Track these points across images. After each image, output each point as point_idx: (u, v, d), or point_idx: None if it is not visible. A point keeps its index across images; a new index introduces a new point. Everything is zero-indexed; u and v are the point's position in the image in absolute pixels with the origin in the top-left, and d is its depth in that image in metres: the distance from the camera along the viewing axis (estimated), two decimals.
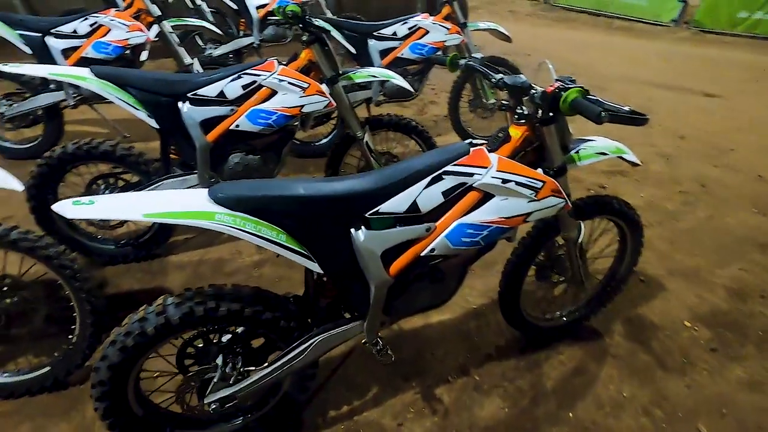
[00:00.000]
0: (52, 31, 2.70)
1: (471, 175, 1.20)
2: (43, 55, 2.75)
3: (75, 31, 2.72)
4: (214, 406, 1.26)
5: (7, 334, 1.59)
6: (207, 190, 1.07)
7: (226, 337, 1.30)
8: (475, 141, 1.32)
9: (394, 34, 2.91)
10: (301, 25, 1.90)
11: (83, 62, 2.79)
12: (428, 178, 1.19)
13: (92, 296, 1.55)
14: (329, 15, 4.32)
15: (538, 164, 1.33)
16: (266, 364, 1.28)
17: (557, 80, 1.17)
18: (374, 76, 2.05)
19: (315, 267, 1.16)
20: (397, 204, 1.17)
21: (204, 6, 4.44)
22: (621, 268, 1.86)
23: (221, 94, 1.87)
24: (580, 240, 1.53)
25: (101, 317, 1.58)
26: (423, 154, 1.25)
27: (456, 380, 1.74)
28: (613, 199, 1.62)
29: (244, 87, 1.88)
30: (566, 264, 1.67)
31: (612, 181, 3.17)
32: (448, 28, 2.91)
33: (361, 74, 2.04)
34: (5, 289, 1.56)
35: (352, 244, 1.17)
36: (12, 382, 1.59)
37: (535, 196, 1.24)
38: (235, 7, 4.07)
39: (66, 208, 0.99)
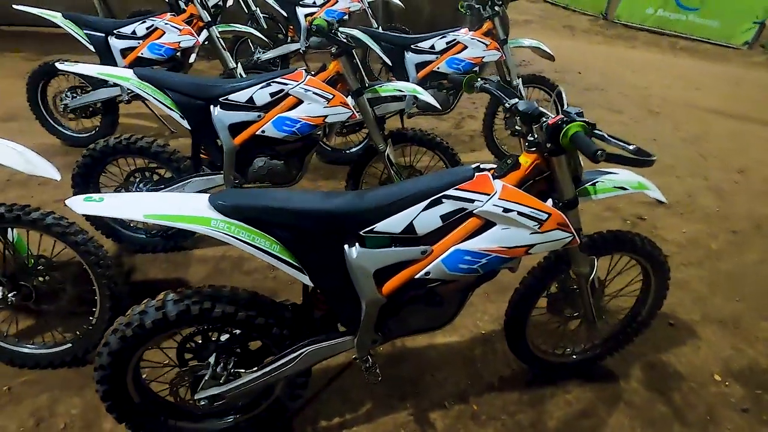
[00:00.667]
0: (114, 31, 2.93)
1: (471, 201, 1.17)
2: (105, 54, 2.98)
3: (134, 33, 2.94)
4: (203, 403, 1.30)
5: (38, 310, 1.73)
6: (208, 196, 1.12)
7: (224, 337, 1.34)
8: (482, 165, 1.29)
9: (432, 47, 2.90)
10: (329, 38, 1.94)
11: (139, 62, 3.00)
12: (427, 201, 1.17)
13: (113, 282, 1.66)
14: (375, 25, 4.38)
15: (549, 194, 1.27)
16: (255, 368, 1.31)
17: (564, 111, 1.12)
18: (400, 91, 2.05)
19: (306, 280, 1.17)
20: (393, 224, 1.17)
21: (258, 12, 4.64)
22: (643, 310, 1.73)
23: (250, 100, 1.95)
24: (592, 277, 1.44)
25: (119, 302, 1.68)
26: (426, 176, 1.24)
27: (453, 407, 1.69)
28: (636, 236, 1.51)
29: (272, 95, 1.95)
30: (579, 299, 1.58)
31: (653, 213, 2.98)
32: (486, 44, 2.87)
33: (387, 88, 2.05)
34: (39, 267, 1.70)
35: (345, 260, 1.18)
36: (37, 354, 1.73)
37: (538, 228, 1.19)
38: (284, 14, 4.23)
39: (77, 203, 1.06)
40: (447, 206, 1.18)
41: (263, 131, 1.98)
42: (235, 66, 3.09)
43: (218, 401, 1.31)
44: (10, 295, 1.60)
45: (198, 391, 1.30)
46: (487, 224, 1.20)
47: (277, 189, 1.27)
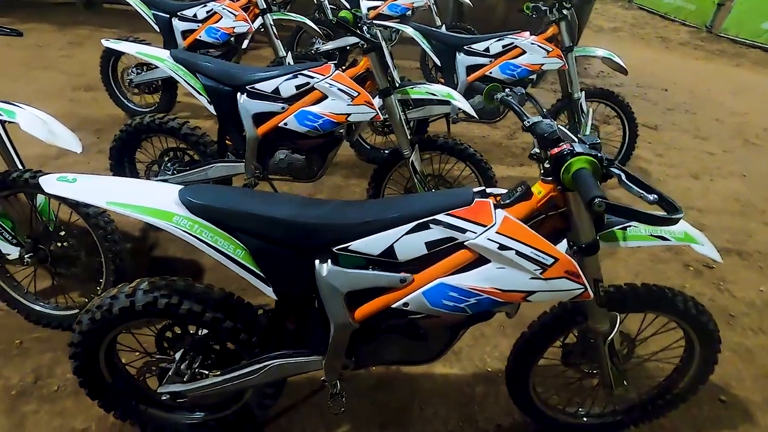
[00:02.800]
0: (178, 13, 3.05)
1: (463, 231, 1.01)
2: (169, 34, 3.12)
3: (195, 16, 3.04)
4: (164, 397, 1.26)
5: (54, 273, 1.82)
6: (180, 189, 1.06)
7: (202, 333, 1.30)
8: (489, 190, 1.11)
9: (486, 50, 2.69)
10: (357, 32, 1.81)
11: (197, 44, 3.11)
12: (413, 224, 1.03)
13: (118, 258, 1.69)
14: (438, 23, 4.20)
15: (564, 234, 1.07)
16: (219, 372, 1.25)
17: (577, 138, 0.91)
18: (433, 95, 1.89)
19: (269, 292, 1.08)
20: (371, 244, 1.04)
21: (326, 2, 4.64)
22: (681, 382, 1.44)
23: (276, 90, 1.90)
24: (611, 337, 1.20)
25: (122, 277, 1.71)
26: (419, 194, 1.09)
27: None
28: (677, 295, 1.24)
29: (298, 87, 1.88)
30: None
31: (724, 263, 2.54)
32: (548, 51, 2.59)
33: (419, 91, 1.90)
34: (62, 233, 1.78)
35: (316, 277, 1.07)
36: (49, 314, 1.82)
37: (540, 273, 1.00)
38: (348, 6, 4.18)
39: (49, 181, 1.05)
40: (435, 233, 1.02)
41: (286, 124, 1.93)
42: (285, 55, 3.09)
43: (180, 398, 1.27)
44: (26, 255, 1.69)
45: (162, 384, 1.27)
46: (480, 259, 1.02)
47: (253, 190, 1.19)
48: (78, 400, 1.58)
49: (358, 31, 1.74)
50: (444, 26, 4.25)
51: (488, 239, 0.99)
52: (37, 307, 1.81)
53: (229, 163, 2.11)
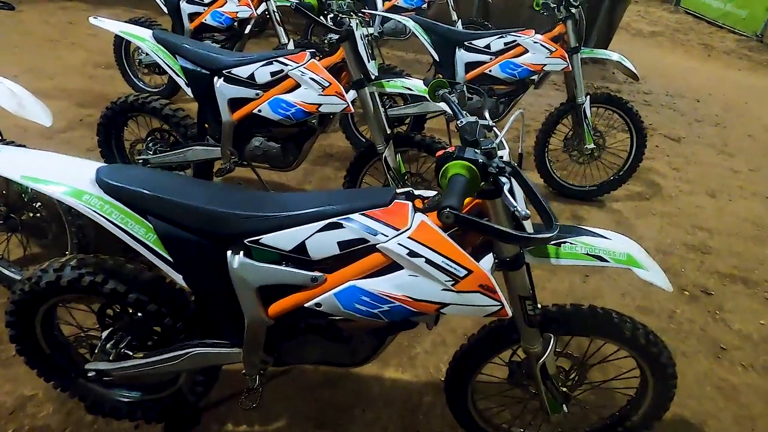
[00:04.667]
0: None
1: (375, 233, 0.95)
2: (176, 16, 3.16)
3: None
4: (91, 374, 1.27)
5: (26, 242, 1.87)
6: (99, 167, 1.05)
7: (139, 314, 1.29)
8: (418, 193, 1.04)
9: (488, 47, 2.57)
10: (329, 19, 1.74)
11: (203, 27, 3.13)
12: (325, 221, 0.98)
13: (81, 233, 1.72)
14: (454, 17, 4.08)
15: (491, 247, 0.99)
16: (142, 355, 1.24)
17: (471, 142, 0.83)
18: (409, 89, 1.81)
19: (179, 279, 1.06)
20: (282, 239, 1.00)
21: None
22: (635, 415, 1.33)
23: (251, 76, 1.88)
24: (543, 359, 1.11)
25: (86, 251, 1.74)
26: (336, 191, 1.04)
27: None
28: (626, 321, 1.14)
29: (273, 74, 1.85)
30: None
31: (725, 289, 2.35)
32: (551, 51, 2.46)
33: (395, 84, 1.83)
34: (35, 204, 1.83)
35: (228, 268, 1.04)
36: (16, 279, 1.87)
37: (452, 285, 0.93)
38: None
39: None
40: (347, 232, 0.97)
41: (260, 110, 1.90)
42: (287, 42, 3.07)
43: (105, 377, 1.27)
44: None
45: (90, 361, 1.28)
46: (394, 265, 0.96)
47: (172, 173, 1.16)
48: None
49: (322, 19, 1.68)
50: (460, 21, 4.13)
51: (399, 244, 0.93)
52: (8, 273, 1.87)
53: (208, 146, 2.11)
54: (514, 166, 0.83)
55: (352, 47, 1.73)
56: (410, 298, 0.96)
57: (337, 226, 0.97)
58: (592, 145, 2.69)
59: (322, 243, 0.98)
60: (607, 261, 0.99)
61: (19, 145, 1.57)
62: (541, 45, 2.46)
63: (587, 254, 0.99)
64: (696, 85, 5.28)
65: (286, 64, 1.83)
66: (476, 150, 0.80)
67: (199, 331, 1.24)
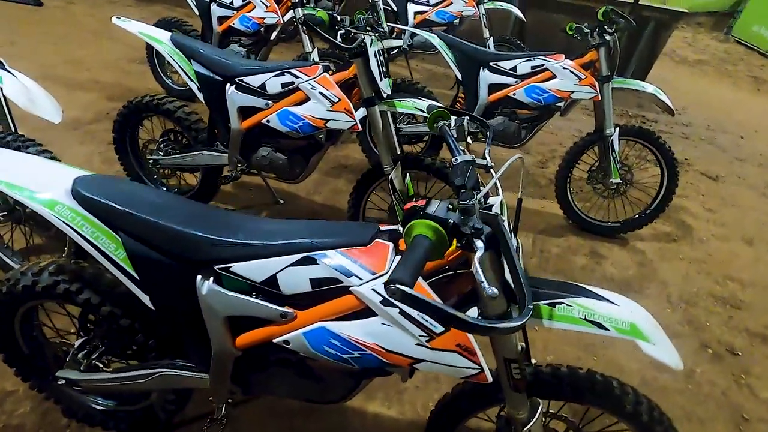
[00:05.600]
0: None
1: (349, 274, 0.87)
2: (206, 18, 3.21)
3: (231, 3, 3.09)
4: (60, 381, 1.24)
5: (30, 234, 1.90)
6: (76, 177, 1.02)
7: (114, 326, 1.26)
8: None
9: (513, 69, 2.47)
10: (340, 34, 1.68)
11: (230, 31, 3.16)
12: (298, 255, 0.91)
13: None
14: (486, 35, 3.98)
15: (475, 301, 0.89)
16: (111, 369, 1.21)
17: (458, 187, 0.74)
18: (421, 110, 1.74)
19: (146, 300, 1.01)
20: (253, 270, 0.93)
21: (380, 3, 4.57)
22: None
23: (263, 86, 1.85)
24: (529, 427, 1.00)
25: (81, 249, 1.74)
26: (316, 222, 0.97)
27: None
28: (628, 392, 1.01)
29: (284, 85, 1.82)
30: None
31: (754, 350, 2.14)
32: (580, 78, 2.33)
33: (406, 104, 1.75)
34: None
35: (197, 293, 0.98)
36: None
37: (427, 341, 0.84)
38: (395, 8, 4.09)
39: None
40: (319, 270, 0.90)
41: (269, 121, 1.87)
42: (311, 51, 3.05)
43: (75, 386, 1.24)
44: (1, 214, 1.77)
45: (62, 368, 1.25)
46: (369, 310, 0.88)
47: (156, 190, 1.12)
48: None
49: (331, 35, 1.62)
50: (492, 39, 4.03)
51: (372, 289, 0.85)
52: (9, 261, 1.89)
53: (216, 152, 2.09)
54: (498, 225, 0.73)
55: (365, 64, 1.67)
56: (382, 348, 0.88)
57: (311, 261, 0.90)
58: (618, 180, 2.54)
59: (294, 278, 0.91)
60: (607, 329, 0.88)
61: (18, 144, 1.59)
62: (570, 71, 2.34)
63: (585, 319, 0.88)
64: (741, 119, 4.97)
65: (298, 77, 1.78)
66: (451, 204, 0.71)
67: (170, 353, 1.19)
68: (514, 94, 2.47)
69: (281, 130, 1.86)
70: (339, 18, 1.67)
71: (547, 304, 0.89)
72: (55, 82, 3.76)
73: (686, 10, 4.97)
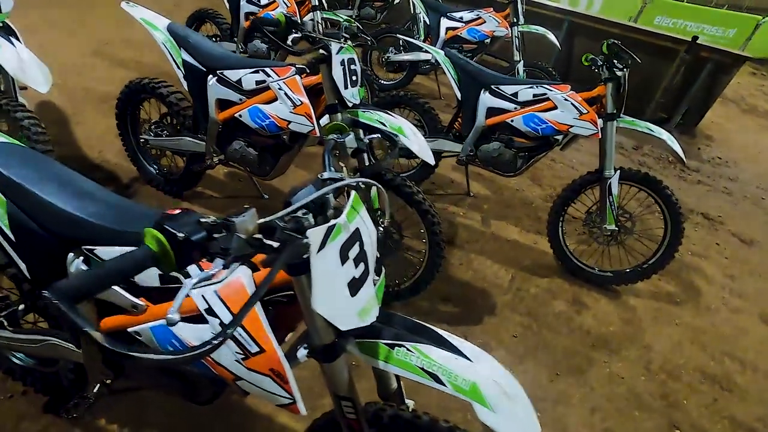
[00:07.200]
0: None
1: (186, 275, 0.85)
2: (236, 12, 3.34)
3: (259, 0, 3.19)
4: None
5: None
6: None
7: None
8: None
9: (514, 95, 2.35)
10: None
11: (254, 27, 3.27)
12: None
13: None
14: (517, 57, 3.85)
15: None
16: (11, 329, 1.25)
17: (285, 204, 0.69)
18: (383, 124, 1.68)
19: (23, 268, 1.04)
20: (112, 256, 0.93)
21: (422, 15, 4.55)
22: None
23: (239, 81, 1.88)
24: None
25: None
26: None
27: None
28: None
29: (257, 82, 1.84)
30: None
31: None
32: (582, 112, 2.18)
33: (370, 117, 1.70)
34: None
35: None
36: None
37: (242, 359, 0.79)
38: (428, 21, 4.06)
39: None
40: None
41: (240, 116, 1.90)
42: None
43: None
44: None
45: None
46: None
47: (60, 165, 1.15)
48: None
49: (281, 39, 1.60)
50: (522, 62, 3.89)
51: (201, 295, 0.82)
52: None
53: (197, 140, 2.15)
54: (297, 248, 0.67)
55: (328, 71, 1.65)
56: (211, 358, 0.84)
57: None
58: (614, 227, 2.34)
59: (145, 271, 0.90)
60: (443, 384, 0.78)
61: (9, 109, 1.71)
62: (572, 104, 2.19)
63: (422, 368, 0.79)
64: None
65: (269, 76, 1.80)
66: (230, 219, 0.67)
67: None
68: (512, 121, 2.35)
69: (251, 127, 1.88)
70: (300, 21, 1.67)
71: (386, 343, 0.81)
72: (103, 58, 4.06)
73: (749, 55, 4.55)
